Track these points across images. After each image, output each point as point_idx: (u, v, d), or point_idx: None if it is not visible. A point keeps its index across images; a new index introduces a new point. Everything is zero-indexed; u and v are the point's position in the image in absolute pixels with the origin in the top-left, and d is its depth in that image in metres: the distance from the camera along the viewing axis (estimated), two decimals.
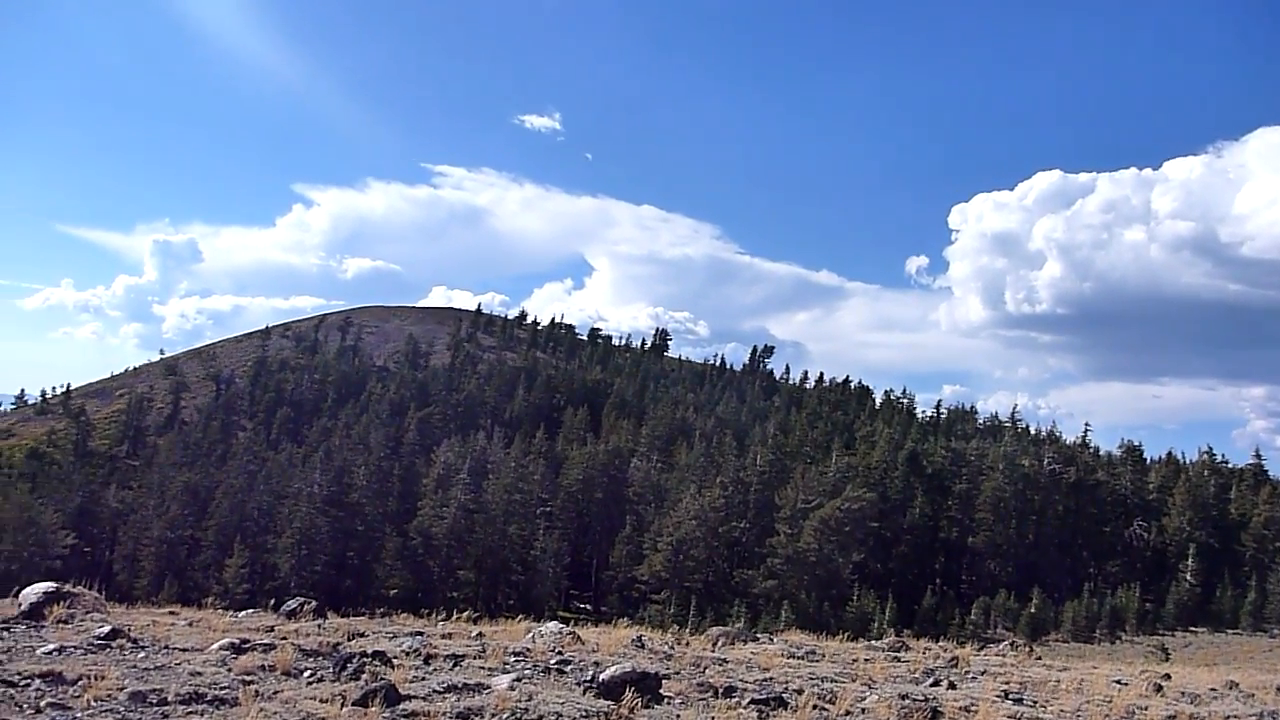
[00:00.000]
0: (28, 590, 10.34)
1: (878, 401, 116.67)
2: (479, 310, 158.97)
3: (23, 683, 6.89)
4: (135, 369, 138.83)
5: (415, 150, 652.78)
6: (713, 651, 11.78)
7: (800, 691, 8.89)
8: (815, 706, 8.33)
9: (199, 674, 7.75)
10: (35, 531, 58.18)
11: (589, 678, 8.29)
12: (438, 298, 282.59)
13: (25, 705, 6.35)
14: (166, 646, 8.95)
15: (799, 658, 12.03)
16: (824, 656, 12.48)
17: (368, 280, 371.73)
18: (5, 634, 8.88)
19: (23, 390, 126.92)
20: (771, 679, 9.73)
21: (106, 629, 9.05)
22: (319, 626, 11.27)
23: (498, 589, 61.60)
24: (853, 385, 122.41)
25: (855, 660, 12.01)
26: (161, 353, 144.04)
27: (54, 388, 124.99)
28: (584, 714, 7.29)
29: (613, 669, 8.22)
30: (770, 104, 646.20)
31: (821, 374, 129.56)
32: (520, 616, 16.12)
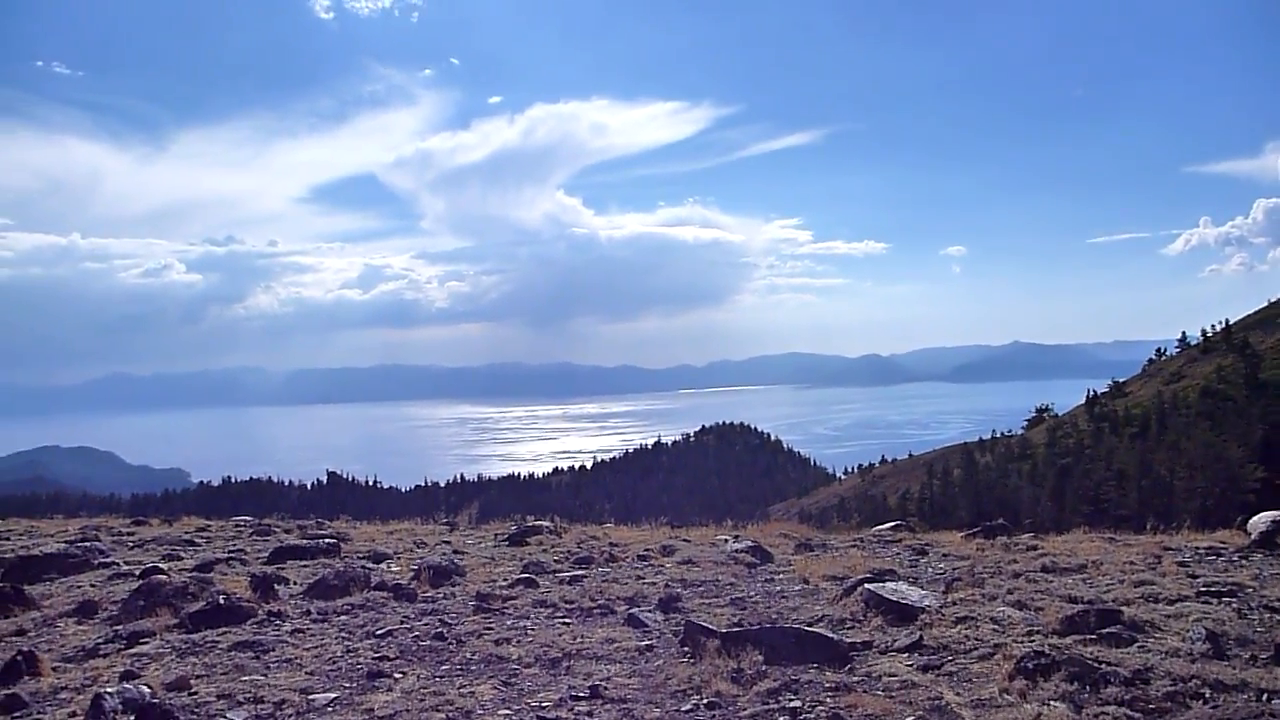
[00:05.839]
0: (1255, 519, 10.14)
1: None
2: None
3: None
4: None
5: None
6: None
7: None
8: None
9: None
10: (1223, 467, 58.89)
11: None
12: None
13: None
14: None
15: None
16: None
17: None
18: (1244, 562, 8.83)
19: (1183, 333, 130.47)
20: None
21: None
22: None
23: None
24: None
25: None
26: None
27: (1212, 325, 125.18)
28: None
29: None
30: None
31: None
32: None
